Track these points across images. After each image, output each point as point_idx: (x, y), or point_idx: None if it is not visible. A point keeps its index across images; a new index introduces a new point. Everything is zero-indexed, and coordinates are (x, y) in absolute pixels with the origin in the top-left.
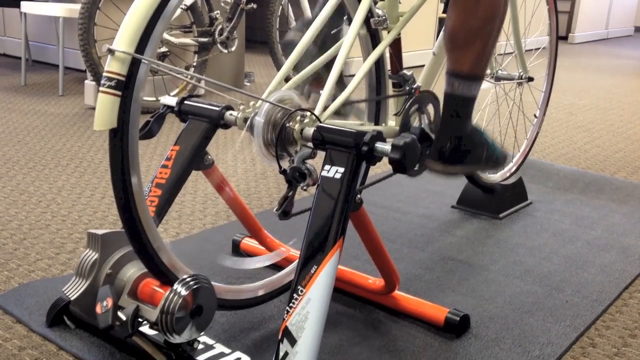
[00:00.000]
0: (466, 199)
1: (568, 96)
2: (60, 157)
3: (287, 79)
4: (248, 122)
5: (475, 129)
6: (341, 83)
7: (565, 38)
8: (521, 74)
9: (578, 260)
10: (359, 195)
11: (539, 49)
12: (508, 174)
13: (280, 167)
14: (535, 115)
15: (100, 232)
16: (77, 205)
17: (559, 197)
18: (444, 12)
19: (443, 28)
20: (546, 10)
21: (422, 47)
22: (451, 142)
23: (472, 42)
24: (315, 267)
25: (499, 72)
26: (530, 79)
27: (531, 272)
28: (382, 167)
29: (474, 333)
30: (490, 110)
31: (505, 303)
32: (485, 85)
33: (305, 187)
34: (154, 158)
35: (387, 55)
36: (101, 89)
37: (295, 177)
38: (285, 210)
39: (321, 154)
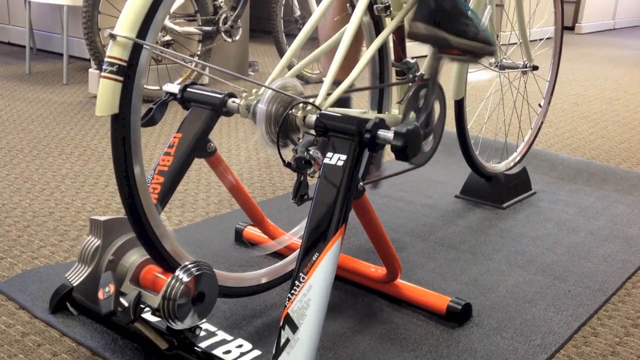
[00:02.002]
0: (470, 189)
1: (573, 86)
2: (64, 145)
3: (289, 67)
4: (251, 110)
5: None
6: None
7: (572, 28)
8: (526, 62)
9: (581, 250)
10: (361, 183)
11: (543, 39)
12: (512, 164)
13: (284, 161)
14: (539, 105)
15: (102, 218)
16: (80, 193)
17: (563, 187)
18: None
19: None
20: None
21: None
22: (436, 1)
23: None
24: (317, 254)
25: (504, 60)
26: (535, 68)
27: (534, 262)
28: (387, 156)
29: (476, 322)
30: (494, 99)
31: (507, 292)
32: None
33: (311, 175)
34: (157, 147)
35: (391, 43)
36: (103, 74)
37: (300, 166)
38: (302, 194)
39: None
